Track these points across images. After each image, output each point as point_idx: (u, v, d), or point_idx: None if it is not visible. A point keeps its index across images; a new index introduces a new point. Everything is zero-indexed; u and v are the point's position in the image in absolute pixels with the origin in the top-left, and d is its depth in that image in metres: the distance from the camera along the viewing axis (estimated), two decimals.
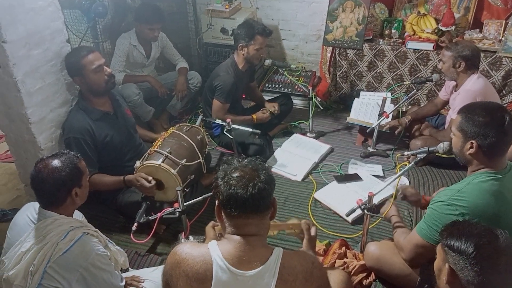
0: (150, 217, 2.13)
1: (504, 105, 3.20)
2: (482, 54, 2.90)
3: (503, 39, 3.13)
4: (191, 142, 2.46)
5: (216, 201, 1.32)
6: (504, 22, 3.22)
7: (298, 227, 1.67)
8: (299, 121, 3.50)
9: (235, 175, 1.27)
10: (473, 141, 1.59)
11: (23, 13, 1.98)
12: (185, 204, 2.14)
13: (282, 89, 3.74)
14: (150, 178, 2.21)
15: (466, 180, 1.62)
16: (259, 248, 1.28)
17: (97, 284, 1.52)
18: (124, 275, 1.74)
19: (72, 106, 2.36)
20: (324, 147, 3.15)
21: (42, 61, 2.14)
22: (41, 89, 2.16)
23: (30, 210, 1.63)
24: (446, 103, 2.94)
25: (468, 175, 1.67)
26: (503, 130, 1.54)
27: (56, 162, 1.57)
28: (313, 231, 1.64)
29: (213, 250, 1.26)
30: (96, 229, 1.64)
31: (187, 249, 1.28)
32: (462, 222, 1.29)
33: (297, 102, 3.71)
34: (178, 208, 2.12)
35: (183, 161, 2.30)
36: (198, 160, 2.45)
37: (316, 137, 3.31)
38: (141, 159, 2.32)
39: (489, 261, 1.16)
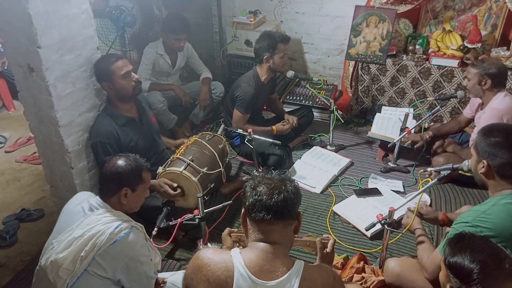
0: (170, 223, 2.15)
1: None
2: (509, 72, 2.86)
3: None
4: (213, 151, 2.50)
5: (243, 209, 1.35)
6: None
7: (315, 245, 1.66)
8: (320, 134, 3.50)
9: (263, 183, 1.32)
10: (484, 161, 1.59)
11: (58, 20, 2.05)
12: (205, 211, 2.15)
13: (303, 101, 3.75)
14: (175, 185, 2.25)
15: (491, 201, 1.59)
16: (281, 258, 1.28)
17: (136, 274, 1.62)
18: None
19: (99, 112, 2.43)
20: (344, 161, 3.14)
21: (74, 66, 2.21)
22: (71, 94, 2.23)
23: (83, 200, 1.73)
24: (470, 121, 2.89)
25: (490, 196, 1.64)
26: None
27: (125, 159, 1.75)
28: (329, 247, 1.61)
29: (235, 257, 1.27)
30: (141, 225, 1.72)
31: (210, 254, 1.29)
32: (466, 239, 1.26)
33: (318, 115, 3.72)
34: (198, 215, 2.14)
35: (204, 169, 2.33)
36: (219, 169, 2.48)
37: (336, 150, 3.30)
38: (164, 165, 2.36)
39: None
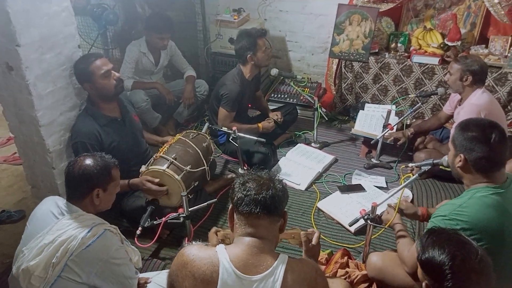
0: (154, 222, 2.14)
1: (508, 121, 3.20)
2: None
3: (509, 55, 3.15)
4: (197, 149, 2.49)
5: (230, 204, 1.38)
6: (510, 38, 3.24)
7: (299, 236, 1.68)
8: (304, 131, 3.52)
9: (252, 180, 1.36)
10: (461, 155, 1.62)
11: (37, 18, 2.03)
12: (190, 209, 2.15)
13: (288, 99, 3.77)
14: (156, 180, 2.24)
15: (467, 195, 1.62)
16: (266, 252, 1.30)
17: (114, 277, 1.59)
18: None
19: (80, 111, 2.40)
20: (328, 158, 3.17)
21: (54, 65, 2.18)
22: (52, 93, 2.20)
23: (52, 204, 1.68)
24: (450, 117, 2.95)
25: (466, 189, 1.68)
26: (489, 146, 1.56)
27: (91, 160, 1.69)
28: (314, 240, 1.64)
29: (220, 253, 1.28)
30: (115, 227, 1.70)
31: (195, 250, 1.31)
32: (436, 234, 1.30)
33: (302, 112, 3.74)
34: (183, 214, 2.14)
35: (188, 168, 2.33)
36: (203, 167, 2.47)
37: (321, 148, 3.32)
38: (147, 164, 2.35)
39: (460, 279, 1.19)
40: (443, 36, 3.37)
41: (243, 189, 1.33)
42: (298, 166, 3.08)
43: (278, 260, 1.29)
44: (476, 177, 1.62)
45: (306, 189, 2.88)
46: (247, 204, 1.30)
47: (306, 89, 3.80)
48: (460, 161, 1.63)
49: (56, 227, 1.58)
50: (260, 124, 3.10)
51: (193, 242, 2.26)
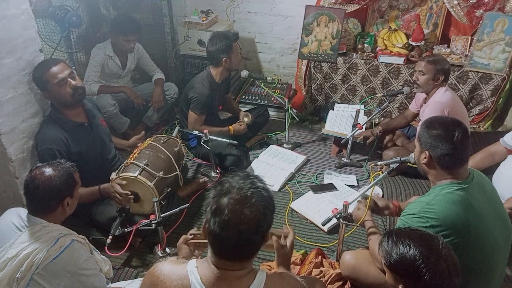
0: (125, 230, 2.09)
1: (470, 118, 3.34)
2: None
3: (469, 54, 3.28)
4: (169, 154, 2.45)
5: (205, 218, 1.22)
6: (470, 38, 3.37)
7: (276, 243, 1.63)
8: (276, 133, 3.54)
9: (230, 197, 1.16)
10: (426, 151, 1.68)
11: None
12: (161, 215, 2.11)
13: (259, 100, 3.78)
14: (124, 182, 2.18)
15: (434, 192, 1.67)
16: (239, 278, 1.22)
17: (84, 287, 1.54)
18: None
19: (44, 118, 2.31)
20: (300, 158, 3.19)
21: (14, 70, 2.09)
22: (13, 99, 2.11)
23: (14, 216, 1.62)
24: (416, 115, 3.03)
25: (432, 185, 1.73)
26: (452, 143, 1.62)
27: (52, 170, 1.63)
28: (289, 243, 1.56)
29: (191, 274, 1.22)
30: (83, 237, 1.65)
31: (166, 270, 1.24)
32: (394, 235, 1.33)
33: (274, 113, 3.76)
34: (155, 220, 2.09)
35: (160, 174, 2.28)
36: (175, 173, 2.43)
37: (292, 148, 3.34)
38: (117, 171, 2.29)
39: (434, 270, 1.23)
40: (408, 36, 3.47)
41: (214, 201, 1.16)
42: (271, 167, 3.09)
43: (256, 280, 1.23)
44: (441, 173, 1.67)
45: (279, 190, 2.89)
46: (212, 243, 1.17)
47: (276, 90, 3.82)
48: (425, 157, 1.68)
49: (20, 240, 1.51)
50: (231, 127, 3.08)
51: (167, 249, 2.24)
